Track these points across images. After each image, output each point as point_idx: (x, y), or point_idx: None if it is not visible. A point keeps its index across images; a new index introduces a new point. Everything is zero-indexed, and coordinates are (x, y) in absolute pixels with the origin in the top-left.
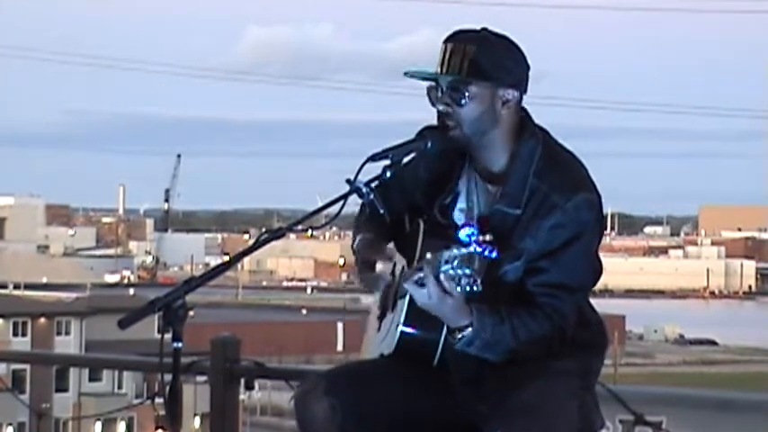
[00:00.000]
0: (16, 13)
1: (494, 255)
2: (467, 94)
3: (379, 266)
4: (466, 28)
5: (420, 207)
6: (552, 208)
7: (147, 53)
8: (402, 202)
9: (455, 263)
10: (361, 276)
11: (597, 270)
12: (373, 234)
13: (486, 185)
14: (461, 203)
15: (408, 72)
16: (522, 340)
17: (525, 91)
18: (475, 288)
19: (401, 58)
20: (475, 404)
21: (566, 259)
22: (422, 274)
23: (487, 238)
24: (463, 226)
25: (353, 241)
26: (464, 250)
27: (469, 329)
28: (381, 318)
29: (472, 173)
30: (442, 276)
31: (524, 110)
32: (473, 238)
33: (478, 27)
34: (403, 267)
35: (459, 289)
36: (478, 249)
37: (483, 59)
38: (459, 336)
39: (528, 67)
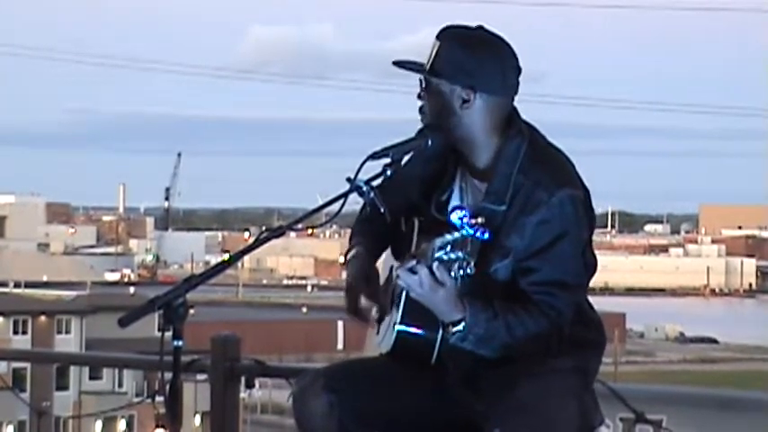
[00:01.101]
0: (18, 13)
1: (485, 236)
2: (425, 87)
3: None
4: (455, 24)
5: (417, 205)
6: (537, 204)
7: (150, 52)
8: (399, 203)
9: (448, 248)
10: (350, 313)
11: (591, 265)
12: (366, 251)
13: (475, 182)
14: (455, 200)
15: (396, 61)
16: (517, 336)
17: (499, 94)
18: (468, 270)
19: (404, 56)
20: (472, 402)
21: (555, 256)
22: (414, 262)
23: (479, 220)
24: (454, 209)
25: (348, 251)
26: (456, 234)
27: (462, 324)
28: (380, 321)
29: (464, 169)
30: (435, 264)
31: (514, 108)
32: (464, 221)
33: (474, 24)
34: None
35: (452, 273)
36: (470, 231)
37: (442, 57)
38: (453, 331)
39: (503, 72)
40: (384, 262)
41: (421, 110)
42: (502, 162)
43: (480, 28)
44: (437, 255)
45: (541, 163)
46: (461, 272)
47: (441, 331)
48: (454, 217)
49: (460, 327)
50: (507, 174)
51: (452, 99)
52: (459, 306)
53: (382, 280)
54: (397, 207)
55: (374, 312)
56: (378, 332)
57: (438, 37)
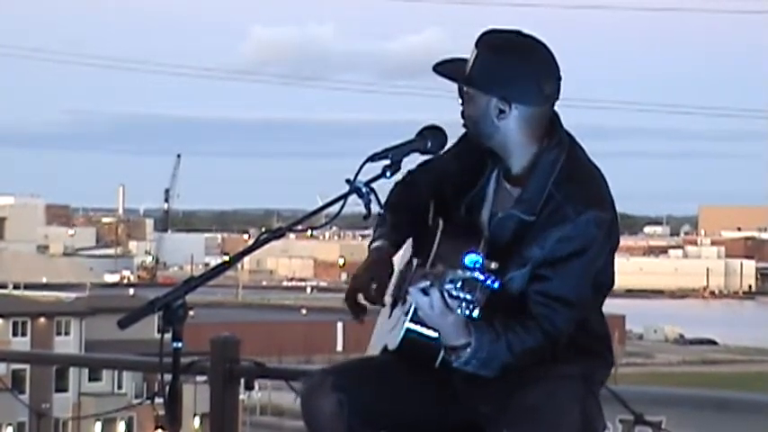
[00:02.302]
0: (18, 13)
1: (496, 285)
2: (464, 96)
3: (362, 301)
4: (493, 29)
5: (446, 201)
6: (563, 219)
7: (150, 53)
8: (430, 195)
9: (458, 284)
10: (350, 310)
11: (605, 284)
12: (388, 244)
13: (507, 186)
14: (487, 203)
15: (436, 68)
16: (516, 354)
17: (535, 104)
18: (474, 314)
19: (405, 58)
20: (477, 405)
21: (567, 272)
22: (428, 283)
23: (492, 266)
24: (469, 252)
25: (372, 240)
26: (468, 274)
27: (467, 350)
28: (394, 305)
29: (499, 172)
30: (445, 294)
31: (555, 115)
32: (477, 266)
33: (511, 28)
34: (417, 263)
35: (459, 311)
36: (481, 278)
37: (478, 67)
38: (457, 355)
39: (539, 81)
40: (404, 249)
41: (462, 114)
42: (538, 171)
43: (518, 33)
44: (447, 287)
45: (576, 179)
46: (467, 312)
47: None
48: (468, 260)
49: (465, 352)
50: (542, 184)
51: (489, 109)
52: (465, 331)
53: (401, 265)
54: (426, 198)
55: (389, 297)
56: (390, 316)
57: (476, 44)
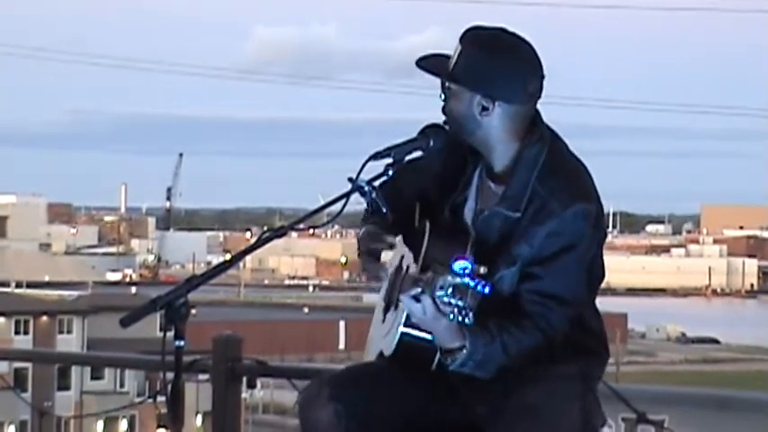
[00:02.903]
0: (19, 13)
1: (486, 290)
2: (447, 91)
3: (383, 256)
4: (478, 26)
5: (431, 202)
6: (550, 214)
7: (152, 53)
8: (414, 195)
9: (449, 291)
10: (365, 266)
11: (596, 278)
12: (378, 226)
13: (491, 184)
14: (471, 202)
15: (419, 62)
16: (512, 354)
17: (519, 102)
18: (466, 320)
19: (408, 57)
20: (476, 406)
21: (559, 269)
22: (419, 290)
23: (482, 270)
24: (457, 259)
25: (359, 232)
26: (458, 280)
27: (463, 352)
28: (386, 310)
29: (482, 171)
30: (437, 301)
31: (536, 112)
32: (467, 271)
33: (496, 25)
34: (408, 266)
35: (451, 317)
36: (471, 283)
37: (462, 63)
38: (453, 358)
39: (524, 79)
40: (395, 250)
41: (443, 109)
42: (520, 168)
43: (503, 31)
44: (438, 293)
45: (559, 173)
46: (460, 318)
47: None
48: (457, 266)
49: (460, 354)
50: (525, 180)
51: (472, 106)
52: (459, 334)
53: (392, 269)
54: (411, 199)
55: (382, 301)
56: (384, 320)
57: (461, 40)
